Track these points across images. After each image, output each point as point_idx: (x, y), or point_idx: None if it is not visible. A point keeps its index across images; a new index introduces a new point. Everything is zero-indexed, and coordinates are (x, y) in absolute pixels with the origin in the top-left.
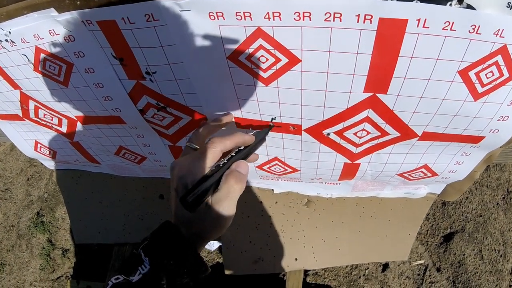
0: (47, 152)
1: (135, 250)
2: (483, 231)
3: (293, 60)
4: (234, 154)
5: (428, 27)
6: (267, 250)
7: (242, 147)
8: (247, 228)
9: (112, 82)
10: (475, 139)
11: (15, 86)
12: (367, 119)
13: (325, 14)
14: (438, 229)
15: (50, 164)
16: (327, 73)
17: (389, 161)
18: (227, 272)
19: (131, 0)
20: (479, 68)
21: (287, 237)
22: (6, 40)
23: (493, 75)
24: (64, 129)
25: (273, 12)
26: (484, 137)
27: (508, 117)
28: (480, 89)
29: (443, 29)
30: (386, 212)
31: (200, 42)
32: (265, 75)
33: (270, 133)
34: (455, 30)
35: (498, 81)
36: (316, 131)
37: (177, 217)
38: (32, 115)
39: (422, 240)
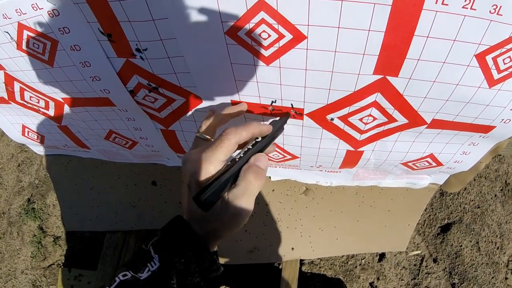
0: (35, 137)
1: (144, 246)
2: (480, 223)
3: (298, 37)
4: (251, 147)
5: (447, 4)
6: (263, 239)
7: (259, 138)
8: None
9: (100, 61)
10: (485, 129)
11: None
12: (375, 104)
13: None
14: (436, 219)
15: (39, 149)
16: (335, 52)
17: (394, 150)
18: (221, 260)
19: None
20: (497, 52)
21: (283, 226)
22: None
23: (510, 60)
24: (51, 112)
25: None
26: (495, 126)
27: None
28: (496, 75)
29: (463, 7)
30: (386, 202)
31: (195, 15)
32: (266, 53)
33: (269, 117)
34: (475, 10)
35: None
36: (319, 116)
37: (190, 213)
38: (17, 97)
39: (419, 231)
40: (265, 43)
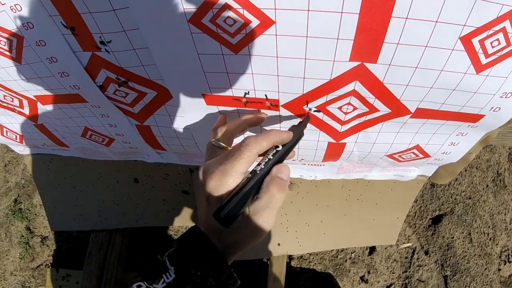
0: (14, 137)
1: (159, 257)
2: (472, 214)
3: (266, 22)
4: (271, 157)
5: None
6: None
7: (280, 147)
8: None
9: (66, 55)
10: (473, 118)
11: None
12: (354, 93)
13: None
14: (427, 211)
15: (19, 149)
16: (306, 37)
17: (378, 141)
18: None
19: None
20: (484, 34)
21: None
22: None
23: (499, 43)
24: (26, 111)
25: None
26: (484, 115)
27: (511, 93)
28: (483, 60)
29: None
30: (373, 195)
31: (157, 3)
32: (233, 40)
33: (244, 109)
34: None
35: (504, 51)
36: (296, 106)
37: (208, 225)
38: None
39: (410, 223)
40: (231, 29)
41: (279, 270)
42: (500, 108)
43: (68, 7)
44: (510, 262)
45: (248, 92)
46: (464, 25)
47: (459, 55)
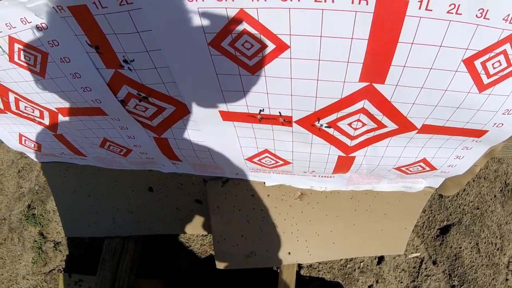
0: (32, 145)
1: None
2: (480, 224)
3: (281, 46)
4: None
5: (431, 10)
6: (260, 244)
7: None
8: (238, 222)
9: (89, 72)
10: (477, 133)
11: None
12: (363, 110)
13: None
14: (435, 221)
15: (36, 156)
16: (319, 60)
17: (386, 155)
18: (218, 266)
19: None
20: (486, 57)
21: (280, 231)
22: None
23: (500, 65)
24: (46, 121)
25: None
26: (488, 131)
27: None
28: (485, 80)
29: (447, 12)
30: (382, 205)
31: (177, 27)
32: (250, 62)
33: (259, 125)
34: (461, 14)
35: (506, 71)
36: (308, 122)
37: None
38: (13, 107)
39: (418, 233)
40: (249, 53)
41: (289, 278)
42: (503, 124)
43: (94, 28)
44: None
45: (263, 109)
46: (467, 49)
47: (462, 76)
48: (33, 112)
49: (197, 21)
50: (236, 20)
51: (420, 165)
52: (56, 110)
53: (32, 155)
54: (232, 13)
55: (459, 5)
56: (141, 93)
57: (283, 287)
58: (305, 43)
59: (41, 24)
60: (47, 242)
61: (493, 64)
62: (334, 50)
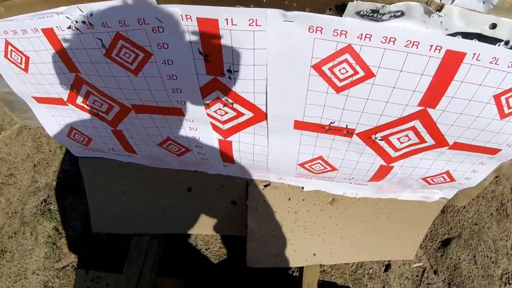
0: (81, 139)
1: None
2: (477, 239)
3: (369, 74)
4: None
5: (480, 60)
6: (289, 245)
7: None
8: (273, 223)
9: (188, 76)
10: (493, 151)
11: (72, 69)
12: (413, 128)
13: (407, 41)
14: (437, 234)
15: (77, 151)
16: (394, 87)
17: (419, 166)
18: (249, 264)
19: (240, 4)
20: (510, 94)
21: (308, 233)
22: (83, 22)
23: None
24: (110, 116)
25: (366, 34)
26: (501, 149)
27: None
28: (506, 111)
29: (490, 62)
30: (401, 213)
31: (291, 49)
32: (340, 84)
33: (321, 134)
34: (498, 64)
35: None
36: (367, 135)
37: None
38: (79, 100)
39: (422, 244)
40: (342, 76)
41: (312, 278)
42: None
43: (214, 40)
44: (510, 284)
45: (334, 121)
46: (497, 88)
47: (491, 107)
48: (101, 106)
49: (309, 47)
50: (341, 52)
51: (443, 176)
52: (130, 106)
53: (73, 148)
54: (340, 46)
55: (498, 58)
56: (228, 99)
57: (307, 285)
58: (388, 74)
59: (157, 27)
60: (62, 238)
61: None
62: (407, 81)
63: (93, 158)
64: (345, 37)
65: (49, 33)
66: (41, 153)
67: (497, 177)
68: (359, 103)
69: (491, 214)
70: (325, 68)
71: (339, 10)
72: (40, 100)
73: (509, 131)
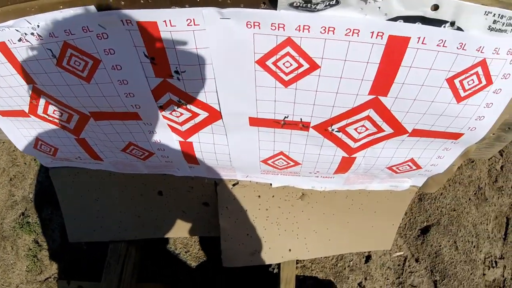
0: (48, 150)
1: None
2: (457, 224)
3: (314, 66)
4: None
5: (426, 44)
6: (263, 242)
7: None
8: (245, 221)
9: (138, 80)
10: (455, 136)
11: (29, 80)
12: (368, 117)
13: (346, 30)
14: (415, 222)
15: (46, 161)
16: (340, 77)
17: (381, 155)
18: (225, 264)
19: (175, 5)
20: (463, 76)
21: (282, 229)
22: (32, 34)
23: (473, 82)
24: (71, 125)
25: (303, 25)
26: (463, 134)
27: (484, 117)
28: (462, 94)
29: (437, 45)
30: (373, 204)
31: (233, 46)
32: (286, 78)
33: (280, 129)
34: (446, 47)
35: (477, 87)
36: (323, 128)
37: None
38: (40, 111)
39: (401, 233)
40: (287, 70)
41: (289, 274)
42: (475, 128)
43: (156, 42)
44: (493, 267)
45: (288, 116)
46: (449, 71)
47: (445, 90)
48: (61, 116)
49: (250, 43)
50: (282, 45)
51: (408, 164)
52: (88, 114)
53: (42, 159)
54: (280, 39)
55: (445, 40)
56: (181, 100)
57: (284, 283)
58: (333, 64)
59: (102, 33)
60: (43, 250)
61: (468, 82)
62: (353, 70)
63: (63, 167)
64: (284, 30)
65: (2, 46)
66: (17, 166)
67: (473, 161)
68: (309, 95)
69: (469, 199)
70: (269, 63)
71: (273, 3)
72: (4, 113)
73: (468, 115)
